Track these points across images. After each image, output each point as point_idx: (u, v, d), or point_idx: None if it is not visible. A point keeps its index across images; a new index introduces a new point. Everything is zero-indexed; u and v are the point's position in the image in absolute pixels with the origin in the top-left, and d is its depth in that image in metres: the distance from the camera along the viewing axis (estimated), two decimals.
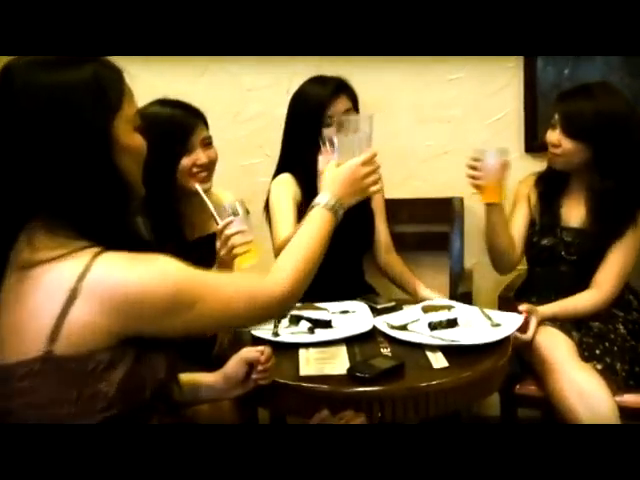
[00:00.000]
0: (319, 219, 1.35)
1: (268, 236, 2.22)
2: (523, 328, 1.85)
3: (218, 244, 1.68)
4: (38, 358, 1.07)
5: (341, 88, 2.16)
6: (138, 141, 1.21)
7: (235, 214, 1.68)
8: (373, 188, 1.46)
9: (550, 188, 2.16)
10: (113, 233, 1.14)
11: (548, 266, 2.14)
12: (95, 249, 1.11)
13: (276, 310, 1.26)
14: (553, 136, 2.04)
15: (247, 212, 1.71)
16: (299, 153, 2.19)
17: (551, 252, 2.12)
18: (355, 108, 2.20)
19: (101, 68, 1.16)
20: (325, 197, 1.38)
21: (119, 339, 1.09)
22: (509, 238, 2.15)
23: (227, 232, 1.66)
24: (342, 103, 2.14)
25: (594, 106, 1.98)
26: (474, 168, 2.03)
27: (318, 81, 2.19)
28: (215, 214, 1.70)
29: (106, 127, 1.13)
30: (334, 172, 1.45)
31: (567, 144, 2.01)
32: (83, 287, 1.07)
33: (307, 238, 1.32)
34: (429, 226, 2.63)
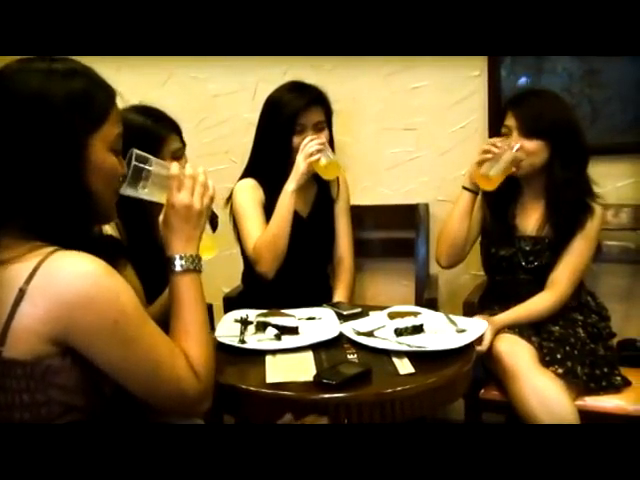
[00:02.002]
0: (183, 288, 1.29)
1: (230, 231, 2.24)
2: (478, 339, 1.87)
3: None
4: None
5: (317, 99, 2.17)
6: (111, 163, 1.19)
7: None
8: (206, 201, 1.36)
9: (501, 198, 2.17)
10: (75, 242, 1.12)
11: (508, 275, 2.17)
12: (50, 248, 1.10)
13: (184, 410, 1.23)
14: (514, 142, 2.06)
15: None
16: (268, 160, 2.19)
17: (510, 262, 2.14)
18: (328, 122, 2.21)
19: (92, 85, 1.17)
20: (173, 261, 1.30)
21: (63, 347, 1.08)
22: (468, 230, 2.18)
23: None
24: (315, 114, 2.15)
25: (550, 104, 2.08)
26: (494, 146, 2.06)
27: (295, 89, 2.18)
28: None
29: (80, 143, 1.13)
30: (162, 222, 1.35)
31: (529, 145, 2.05)
32: (30, 289, 1.06)
33: (188, 315, 1.27)
34: (394, 232, 2.65)
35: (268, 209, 2.19)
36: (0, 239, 1.12)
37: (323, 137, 2.12)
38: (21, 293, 1.05)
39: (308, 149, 2.05)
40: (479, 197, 2.20)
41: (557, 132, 2.04)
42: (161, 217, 1.35)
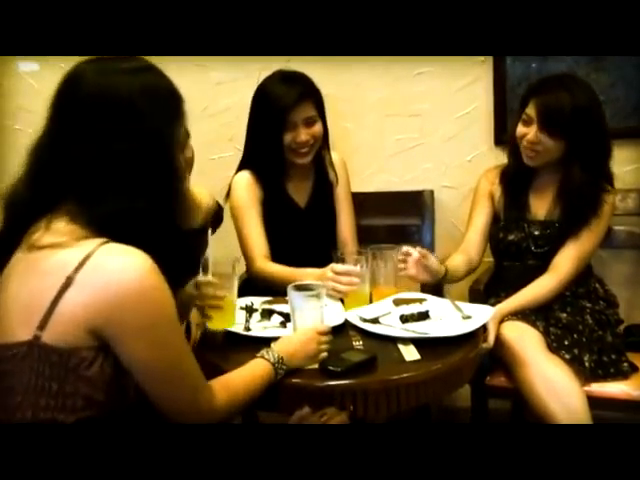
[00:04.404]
0: (260, 370, 1.40)
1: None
2: (483, 336, 1.83)
3: (194, 291, 1.61)
4: (25, 342, 1.07)
5: (306, 94, 2.11)
6: (181, 164, 1.23)
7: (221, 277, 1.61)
8: (321, 355, 1.52)
9: (517, 183, 2.16)
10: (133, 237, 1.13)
11: (516, 260, 2.15)
12: (101, 239, 1.10)
13: (192, 419, 1.22)
14: (530, 133, 2.01)
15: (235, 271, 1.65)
16: (260, 153, 2.18)
17: (518, 247, 2.13)
18: (321, 114, 2.17)
19: (165, 76, 1.21)
20: (274, 354, 1.43)
21: (99, 340, 1.08)
22: (464, 268, 2.17)
23: (204, 291, 1.59)
24: (306, 109, 2.10)
25: (572, 101, 1.95)
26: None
27: (283, 80, 2.13)
28: (209, 262, 1.61)
29: (172, 133, 1.17)
30: (291, 334, 1.55)
31: (547, 141, 1.99)
32: (78, 277, 1.06)
33: (245, 385, 1.35)
34: (400, 219, 2.64)
35: (265, 203, 2.20)
36: (51, 222, 1.13)
37: (353, 275, 1.86)
38: (68, 281, 1.06)
39: (332, 290, 1.87)
40: (493, 181, 2.20)
41: (579, 133, 1.96)
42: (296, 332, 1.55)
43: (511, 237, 2.14)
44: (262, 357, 1.42)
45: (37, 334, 1.06)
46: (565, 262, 2.04)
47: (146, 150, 1.13)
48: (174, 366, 1.16)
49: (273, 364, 1.41)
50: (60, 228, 1.12)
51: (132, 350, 1.10)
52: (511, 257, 2.16)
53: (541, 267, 2.09)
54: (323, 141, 2.20)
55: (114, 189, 1.12)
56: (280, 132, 2.10)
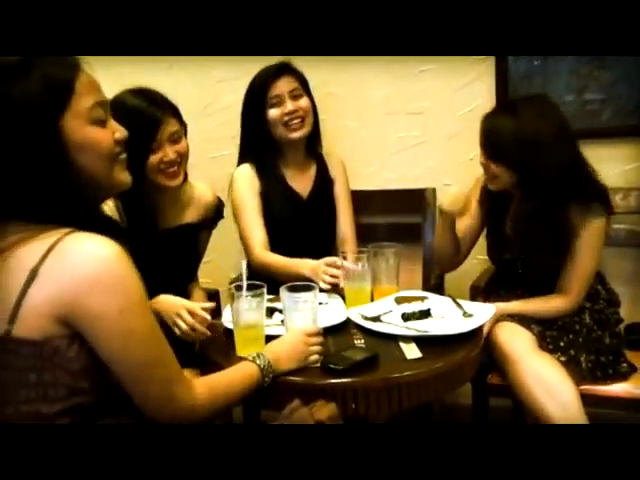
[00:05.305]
0: (245, 372, 1.40)
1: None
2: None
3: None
4: None
5: (282, 69, 2.19)
6: (94, 135, 1.17)
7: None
8: (312, 358, 1.51)
9: (497, 203, 2.12)
10: (83, 223, 1.12)
11: (514, 274, 2.13)
12: (65, 229, 1.10)
13: (169, 414, 1.20)
14: (482, 158, 2.01)
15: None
16: (252, 138, 2.23)
17: (513, 266, 2.11)
18: (305, 89, 2.22)
19: (48, 70, 1.13)
20: (263, 359, 1.43)
21: (70, 329, 1.09)
22: (455, 247, 2.15)
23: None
24: (285, 83, 2.17)
25: (515, 126, 1.90)
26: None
27: (265, 68, 2.22)
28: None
29: (53, 129, 1.11)
30: (283, 336, 1.54)
31: (493, 167, 1.96)
32: (42, 269, 1.06)
33: (228, 385, 1.34)
34: (401, 217, 2.64)
35: (267, 194, 2.22)
36: (7, 225, 1.12)
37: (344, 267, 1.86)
38: (33, 274, 1.06)
39: (323, 281, 1.87)
40: (477, 199, 2.18)
41: (521, 157, 1.89)
42: (290, 335, 1.54)
43: (506, 257, 2.12)
44: (252, 360, 1.42)
45: (7, 329, 1.06)
46: (572, 285, 1.98)
47: (34, 152, 1.10)
48: (145, 355, 1.14)
49: (261, 368, 1.41)
50: (15, 229, 1.11)
51: (101, 339, 1.10)
52: (509, 271, 2.15)
53: (539, 281, 2.06)
54: (314, 121, 2.24)
55: (31, 187, 1.10)
56: (262, 109, 2.17)
